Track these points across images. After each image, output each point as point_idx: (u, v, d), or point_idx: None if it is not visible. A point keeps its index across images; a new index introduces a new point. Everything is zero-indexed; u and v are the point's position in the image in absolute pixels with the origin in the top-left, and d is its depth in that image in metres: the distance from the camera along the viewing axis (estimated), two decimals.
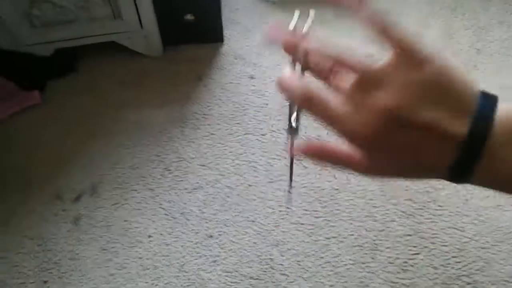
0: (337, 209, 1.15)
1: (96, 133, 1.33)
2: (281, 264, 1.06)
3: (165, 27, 1.50)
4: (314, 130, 1.29)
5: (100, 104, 1.40)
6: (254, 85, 1.45)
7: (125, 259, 1.08)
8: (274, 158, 1.26)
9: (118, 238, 1.12)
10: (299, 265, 1.06)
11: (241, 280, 1.04)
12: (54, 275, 1.05)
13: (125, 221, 1.14)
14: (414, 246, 1.08)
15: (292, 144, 0.34)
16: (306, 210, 1.15)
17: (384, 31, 0.30)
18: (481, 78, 1.43)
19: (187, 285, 1.04)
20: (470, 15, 1.68)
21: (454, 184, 1.14)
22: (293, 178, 1.21)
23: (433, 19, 1.67)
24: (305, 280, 1.04)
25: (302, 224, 1.13)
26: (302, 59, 0.31)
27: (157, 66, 1.52)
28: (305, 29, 0.31)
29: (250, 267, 1.06)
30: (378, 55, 0.30)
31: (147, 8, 1.39)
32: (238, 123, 1.35)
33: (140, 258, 1.08)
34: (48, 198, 1.18)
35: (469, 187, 1.20)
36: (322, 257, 1.07)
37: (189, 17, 1.50)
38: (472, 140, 0.28)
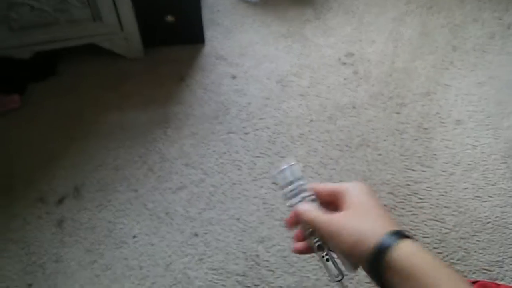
0: None
1: (78, 136, 1.32)
2: (267, 260, 1.07)
3: (145, 28, 1.50)
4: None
5: (82, 107, 1.40)
6: (236, 85, 1.46)
7: (110, 260, 1.08)
8: (258, 156, 1.27)
9: (103, 239, 1.11)
10: (285, 260, 1.07)
11: (228, 277, 1.05)
12: (39, 278, 1.04)
13: (109, 222, 1.14)
14: None
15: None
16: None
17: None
18: (458, 75, 1.47)
19: (174, 284, 1.04)
20: (446, 13, 1.72)
21: (434, 178, 1.15)
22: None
23: (409, 18, 1.70)
24: (291, 275, 1.05)
25: None
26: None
27: (138, 67, 1.52)
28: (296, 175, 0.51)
29: (236, 264, 1.07)
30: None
31: (127, 10, 1.39)
32: (220, 123, 1.36)
33: (125, 259, 1.08)
34: (31, 202, 1.17)
35: (449, 180, 1.22)
36: None
37: (169, 18, 1.50)
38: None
